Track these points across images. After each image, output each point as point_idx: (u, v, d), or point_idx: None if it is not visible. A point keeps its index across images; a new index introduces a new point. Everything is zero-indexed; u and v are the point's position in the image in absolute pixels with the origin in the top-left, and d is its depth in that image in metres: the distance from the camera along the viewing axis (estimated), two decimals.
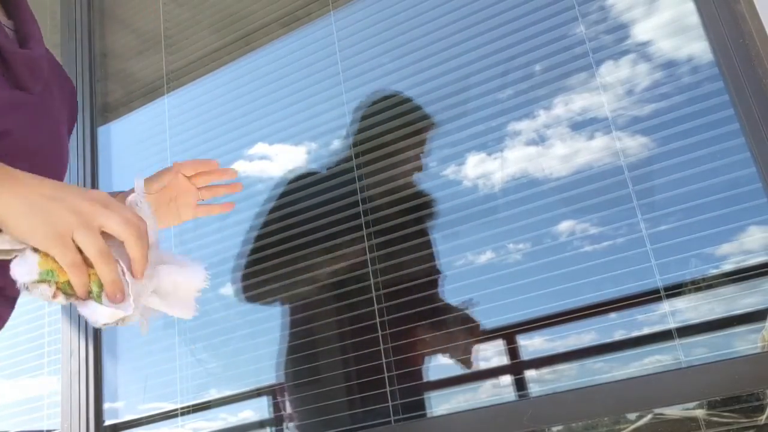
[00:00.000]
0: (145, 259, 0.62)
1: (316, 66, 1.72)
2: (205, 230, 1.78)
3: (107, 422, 1.79)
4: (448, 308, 1.40)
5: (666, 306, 1.19)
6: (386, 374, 1.41)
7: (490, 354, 1.36)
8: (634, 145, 1.29)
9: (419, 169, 1.51)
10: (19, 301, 0.75)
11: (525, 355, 1.32)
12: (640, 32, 1.33)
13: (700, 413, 1.15)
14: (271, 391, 1.59)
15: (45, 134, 0.76)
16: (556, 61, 1.39)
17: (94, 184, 1.99)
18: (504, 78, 1.44)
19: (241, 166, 1.78)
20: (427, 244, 1.45)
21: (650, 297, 1.21)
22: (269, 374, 1.59)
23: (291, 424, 1.53)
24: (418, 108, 1.54)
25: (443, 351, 1.39)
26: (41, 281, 0.59)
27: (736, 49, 1.20)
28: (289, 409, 1.54)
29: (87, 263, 0.60)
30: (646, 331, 1.21)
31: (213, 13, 1.95)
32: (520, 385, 1.33)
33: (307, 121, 1.70)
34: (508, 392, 1.33)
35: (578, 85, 1.37)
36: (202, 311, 1.74)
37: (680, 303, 1.19)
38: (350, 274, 1.52)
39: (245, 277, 1.66)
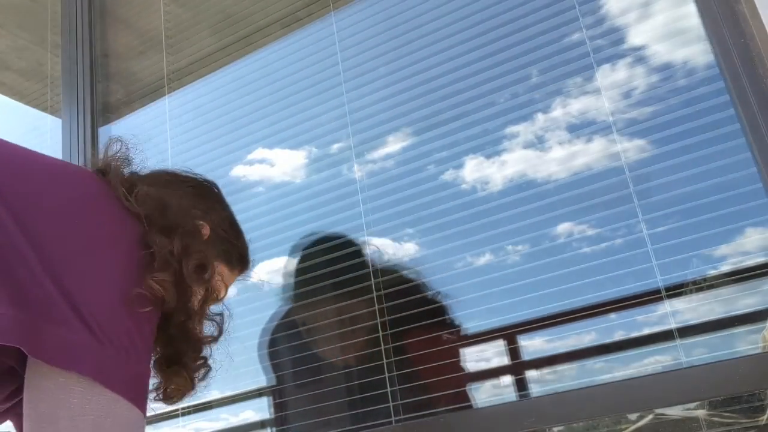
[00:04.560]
0: None
1: (316, 67, 1.72)
2: None
3: None
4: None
5: (667, 306, 1.19)
6: (387, 374, 1.41)
7: (491, 354, 1.36)
8: (634, 145, 1.29)
9: None
10: None
11: (526, 356, 1.32)
12: (640, 33, 1.33)
13: (701, 413, 1.15)
14: (272, 391, 1.59)
15: None
16: (557, 62, 1.39)
17: None
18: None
19: (241, 170, 1.78)
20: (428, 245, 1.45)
21: (651, 297, 1.21)
22: (270, 374, 1.59)
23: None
24: None
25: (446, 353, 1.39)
26: None
27: (737, 49, 1.20)
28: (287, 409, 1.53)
29: None
30: (646, 331, 1.21)
31: (214, 13, 1.95)
32: (521, 385, 1.33)
33: (307, 121, 1.70)
34: (509, 392, 1.33)
35: (579, 86, 1.37)
36: None
37: (681, 303, 1.19)
38: (351, 274, 1.52)
39: None
